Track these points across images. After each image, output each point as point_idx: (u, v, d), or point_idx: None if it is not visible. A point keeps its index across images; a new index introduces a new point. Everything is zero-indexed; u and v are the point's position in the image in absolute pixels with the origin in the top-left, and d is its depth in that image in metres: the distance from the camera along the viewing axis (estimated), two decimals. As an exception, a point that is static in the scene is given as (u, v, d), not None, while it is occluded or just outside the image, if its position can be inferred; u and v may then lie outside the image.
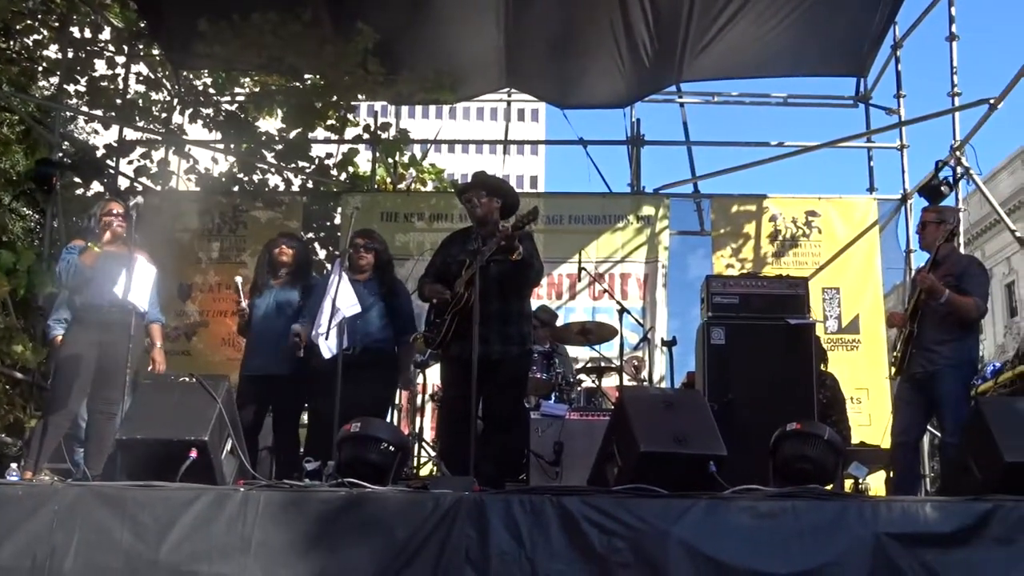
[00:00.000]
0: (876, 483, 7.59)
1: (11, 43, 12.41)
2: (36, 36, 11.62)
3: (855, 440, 8.04)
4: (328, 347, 5.82)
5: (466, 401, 5.75)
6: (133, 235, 6.36)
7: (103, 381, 6.27)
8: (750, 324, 6.85)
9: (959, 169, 9.20)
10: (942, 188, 8.74)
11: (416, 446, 7.90)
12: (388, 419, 7.22)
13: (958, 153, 9.31)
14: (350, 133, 11.72)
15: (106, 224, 6.49)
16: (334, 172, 11.83)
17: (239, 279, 7.08)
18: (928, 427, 7.42)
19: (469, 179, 6.71)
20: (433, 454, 7.94)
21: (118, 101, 11.37)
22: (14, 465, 5.55)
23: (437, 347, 6.32)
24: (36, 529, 4.38)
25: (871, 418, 9.47)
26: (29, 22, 11.35)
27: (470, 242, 6.26)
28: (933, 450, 9.63)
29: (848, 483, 6.52)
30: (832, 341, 9.81)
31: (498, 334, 6.08)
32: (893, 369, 6.82)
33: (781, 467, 5.29)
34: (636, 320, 9.16)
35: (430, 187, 13.04)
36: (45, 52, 11.91)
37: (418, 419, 8.43)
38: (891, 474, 6.76)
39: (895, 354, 6.68)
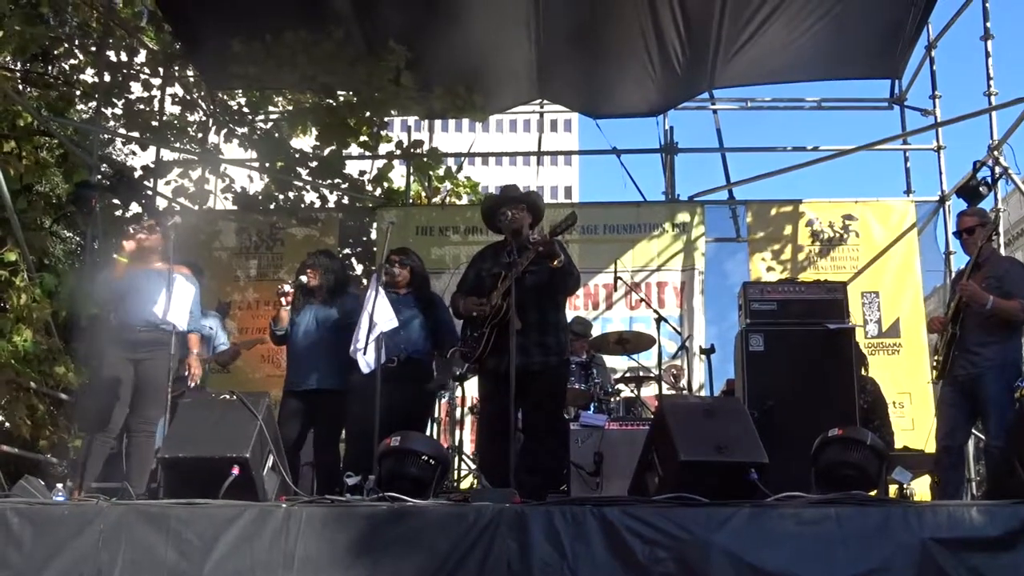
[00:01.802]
0: (921, 488, 7.51)
1: (49, 68, 12.58)
2: (73, 61, 11.77)
3: (898, 445, 7.97)
4: (367, 362, 5.84)
5: (507, 413, 5.74)
6: (171, 254, 6.43)
7: (140, 401, 6.36)
8: (789, 330, 6.83)
9: (997, 169, 9.10)
10: (980, 189, 8.64)
11: (456, 459, 7.91)
12: (428, 432, 7.24)
13: (996, 153, 9.22)
14: (383, 149, 11.78)
15: (126, 235, 6.52)
16: (369, 188, 11.88)
17: (304, 278, 7.06)
18: (973, 430, 7.32)
19: (497, 192, 6.75)
20: (473, 467, 7.95)
21: (154, 122, 11.49)
22: (60, 485, 5.60)
23: (475, 361, 6.32)
24: (82, 548, 4.42)
25: (914, 422, 9.38)
26: (66, 47, 11.50)
27: (502, 255, 6.28)
28: (978, 453, 9.51)
29: (892, 488, 6.46)
30: (873, 345, 9.73)
31: (537, 345, 6.09)
32: (935, 373, 6.75)
33: (824, 473, 5.26)
34: (674, 328, 9.13)
35: (465, 200, 13.07)
36: (82, 76, 12.06)
37: (457, 432, 8.44)
38: (936, 479, 6.69)
39: (937, 357, 6.61)
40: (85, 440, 6.49)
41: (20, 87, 11.53)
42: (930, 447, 6.99)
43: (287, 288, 6.94)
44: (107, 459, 6.49)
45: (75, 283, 9.45)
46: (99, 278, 6.52)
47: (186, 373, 6.71)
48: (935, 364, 6.74)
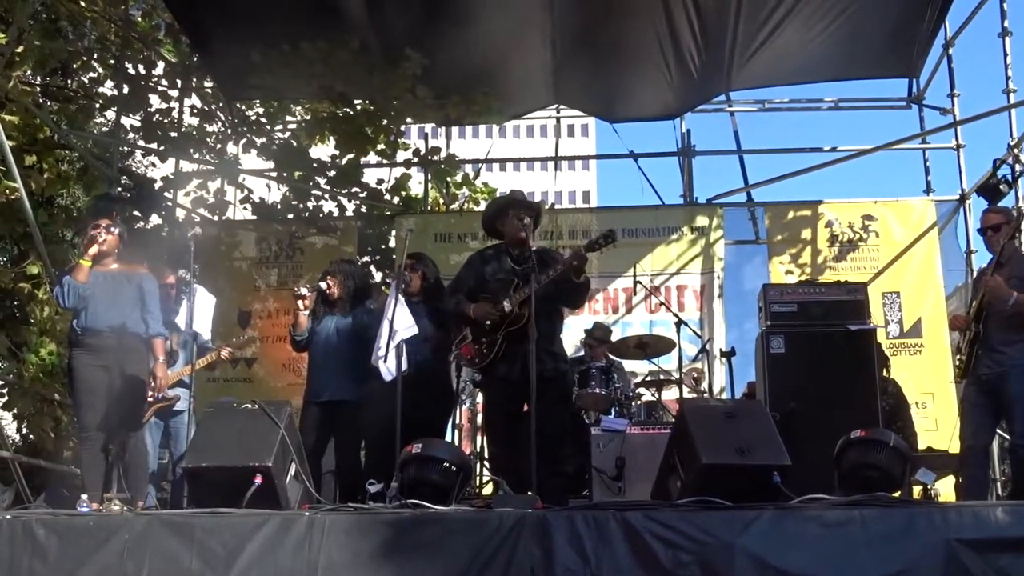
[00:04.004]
0: (945, 489, 7.47)
1: (68, 81, 12.67)
2: (92, 74, 11.86)
3: (922, 445, 7.93)
4: (388, 369, 5.85)
5: (522, 420, 5.75)
6: (192, 265, 6.44)
7: (121, 413, 6.21)
8: (809, 332, 6.81)
9: (1017, 166, 9.06)
10: (1000, 187, 8.61)
11: (477, 465, 7.91)
12: (447, 438, 7.24)
13: (1016, 150, 9.18)
14: (401, 157, 11.81)
15: (89, 239, 6.34)
16: (387, 196, 11.92)
17: (323, 285, 7.04)
18: (997, 430, 7.28)
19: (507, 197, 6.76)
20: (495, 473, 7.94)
21: (173, 134, 11.56)
22: (85, 496, 5.63)
23: (482, 367, 6.31)
24: (107, 559, 4.44)
25: (937, 423, 9.34)
26: (85, 60, 11.58)
27: (505, 260, 6.31)
28: (1003, 453, 9.45)
29: (916, 489, 6.43)
30: (894, 346, 9.69)
31: (547, 353, 6.10)
32: (958, 372, 6.71)
33: (847, 475, 5.24)
34: (694, 332, 9.11)
35: (483, 207, 13.09)
36: (101, 89, 12.15)
37: (479, 438, 8.44)
38: (960, 479, 6.66)
39: (960, 357, 6.57)
40: (84, 451, 6.37)
41: (40, 101, 11.61)
42: (954, 447, 6.95)
43: (303, 291, 6.93)
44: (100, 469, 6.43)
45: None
46: (63, 282, 6.29)
47: (153, 383, 6.45)
48: (958, 363, 6.70)
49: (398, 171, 11.95)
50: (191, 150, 11.81)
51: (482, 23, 9.42)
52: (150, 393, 6.44)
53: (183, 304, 6.51)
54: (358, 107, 11.01)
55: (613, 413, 7.61)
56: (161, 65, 11.71)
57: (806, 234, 10.44)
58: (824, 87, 11.59)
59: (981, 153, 9.64)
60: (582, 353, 8.75)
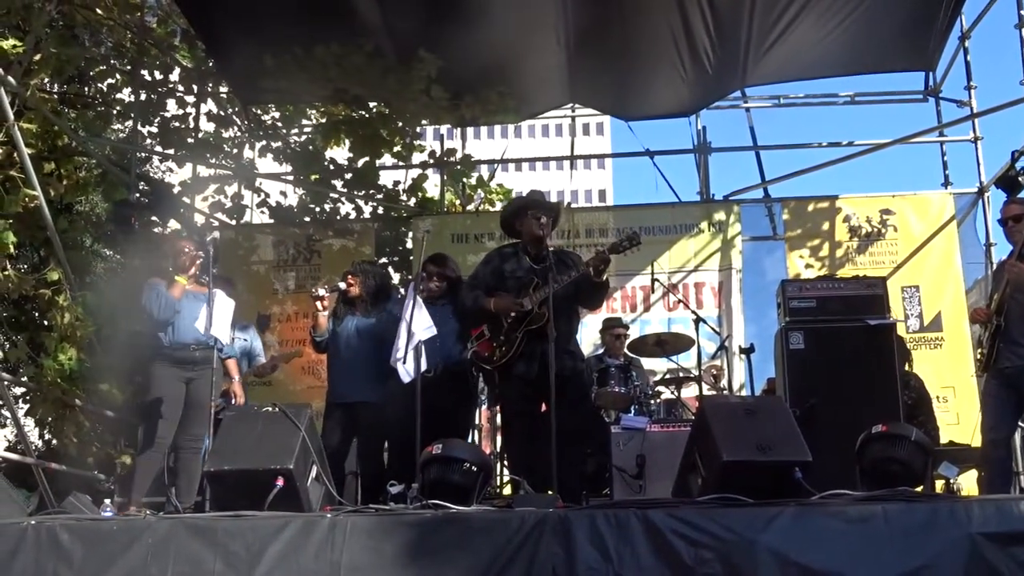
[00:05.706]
0: (968, 483, 7.44)
1: (86, 89, 12.71)
2: (109, 80, 11.90)
3: (943, 440, 7.90)
4: (407, 371, 5.86)
5: (539, 419, 5.76)
6: (211, 270, 6.52)
7: (190, 418, 6.59)
8: (829, 327, 6.78)
9: (1036, 159, 8.99)
10: (1020, 179, 8.54)
11: (498, 465, 7.92)
12: (469, 439, 7.25)
13: (1034, 142, 9.11)
14: (417, 158, 11.83)
15: (191, 258, 6.84)
16: (403, 198, 11.94)
17: (342, 284, 7.10)
18: (1019, 423, 7.24)
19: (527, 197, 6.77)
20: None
21: (190, 139, 11.61)
22: (108, 501, 5.67)
23: (499, 365, 6.30)
24: (131, 563, 4.46)
25: (959, 417, 9.30)
26: (102, 67, 11.63)
27: (523, 259, 6.33)
28: (1025, 446, 9.41)
29: (939, 484, 6.40)
30: (914, 340, 9.65)
31: (566, 352, 6.12)
32: (979, 366, 6.68)
33: (869, 470, 5.22)
34: (712, 329, 9.09)
35: (498, 207, 13.09)
36: (118, 95, 12.19)
37: (499, 438, 8.45)
38: (983, 473, 6.62)
39: (981, 350, 6.54)
40: (138, 456, 6.65)
41: (58, 108, 11.65)
42: (976, 441, 6.92)
43: (321, 292, 6.97)
44: (156, 475, 6.60)
45: (119, 299, 9.54)
46: (160, 295, 6.74)
47: (232, 400, 6.89)
48: (979, 357, 6.67)
49: (414, 172, 11.97)
50: (208, 155, 11.85)
51: (495, 23, 9.40)
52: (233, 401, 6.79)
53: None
54: (373, 110, 11.02)
55: (633, 411, 7.59)
56: (177, 71, 11.75)
57: (824, 229, 10.42)
58: (840, 81, 11.55)
59: (999, 145, 9.56)
60: (600, 351, 8.74)
